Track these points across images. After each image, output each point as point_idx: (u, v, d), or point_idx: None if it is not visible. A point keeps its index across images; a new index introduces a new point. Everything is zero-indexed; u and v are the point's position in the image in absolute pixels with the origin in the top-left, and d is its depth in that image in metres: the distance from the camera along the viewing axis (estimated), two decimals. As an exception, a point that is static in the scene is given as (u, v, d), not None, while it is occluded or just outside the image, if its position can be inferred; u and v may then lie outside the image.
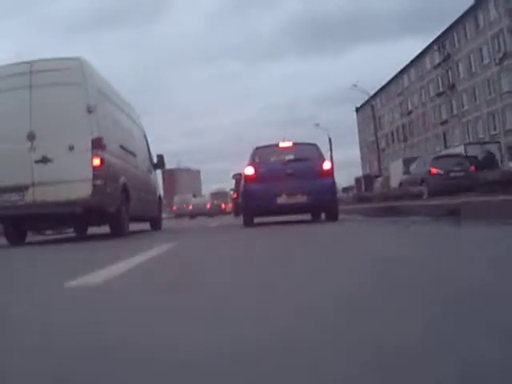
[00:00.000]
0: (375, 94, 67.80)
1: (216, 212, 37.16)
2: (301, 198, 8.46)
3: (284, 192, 8.45)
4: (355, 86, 38.68)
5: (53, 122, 6.84)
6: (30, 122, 6.88)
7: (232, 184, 27.08)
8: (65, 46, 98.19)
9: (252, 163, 8.97)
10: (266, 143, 9.69)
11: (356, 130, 79.07)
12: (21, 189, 6.83)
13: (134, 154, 8.76)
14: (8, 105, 6.95)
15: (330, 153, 44.92)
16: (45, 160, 6.81)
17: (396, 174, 29.43)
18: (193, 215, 34.24)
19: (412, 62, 60.00)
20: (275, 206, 8.48)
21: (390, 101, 67.17)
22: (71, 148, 6.81)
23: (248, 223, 8.81)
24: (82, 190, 6.74)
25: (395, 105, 66.14)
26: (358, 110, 78.53)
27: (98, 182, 6.78)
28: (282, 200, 8.45)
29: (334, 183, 9.10)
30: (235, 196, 24.08)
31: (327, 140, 50.69)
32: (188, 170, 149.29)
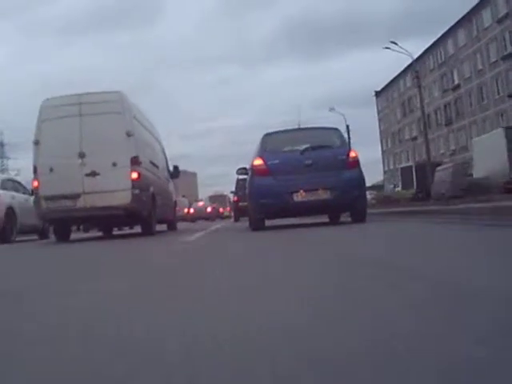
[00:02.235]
0: (404, 71, 56.05)
1: (216, 216, 38.35)
2: (323, 195, 7.24)
3: (302, 187, 7.27)
4: (394, 43, 29.64)
5: (99, 144, 8.72)
6: (80, 144, 8.77)
7: (232, 187, 26.46)
8: (60, 48, 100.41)
9: (261, 153, 7.70)
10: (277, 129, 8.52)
11: (375, 119, 68.79)
12: (73, 196, 8.72)
13: (157, 167, 10.68)
14: (62, 129, 8.83)
15: (348, 142, 42.76)
16: (93, 174, 8.71)
17: (490, 154, 19.77)
18: (194, 219, 35.64)
19: (461, 20, 45.56)
20: (291, 205, 7.28)
21: (427, 76, 52.19)
22: (114, 164, 8.71)
23: (257, 226, 7.61)
24: (123, 198, 8.63)
25: (434, 80, 52.01)
26: (378, 93, 66.95)
27: (136, 192, 8.69)
28: (299, 197, 7.25)
29: (362, 176, 7.67)
30: (236, 199, 22.96)
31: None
32: (184, 173, 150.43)
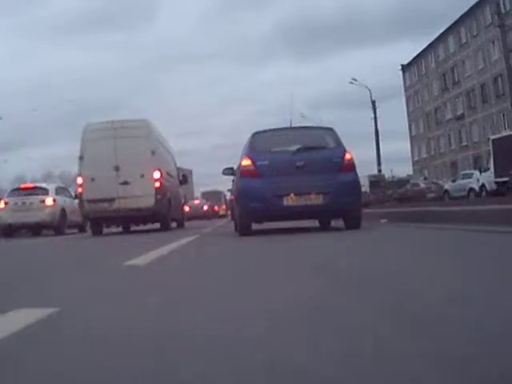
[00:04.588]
0: (446, 32, 46.44)
1: (212, 215, 36.25)
2: (315, 199, 6.86)
3: (292, 191, 6.89)
4: None
5: (130, 160, 11.51)
6: (115, 160, 11.55)
7: (228, 185, 27.04)
8: (54, 48, 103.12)
9: (250, 153, 7.34)
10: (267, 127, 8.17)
11: (402, 100, 57.70)
12: (109, 200, 11.52)
13: (172, 176, 13.52)
14: (101, 148, 11.59)
15: (374, 121, 36.48)
16: (126, 183, 11.51)
17: None
18: (189, 218, 35.28)
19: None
20: (280, 210, 6.91)
21: (479, 35, 41.66)
22: (142, 176, 11.52)
23: (244, 231, 7.25)
24: (148, 202, 11.43)
25: (491, 38, 38.78)
26: (405, 68, 56.78)
27: (158, 197, 11.52)
28: (289, 201, 6.87)
29: (357, 180, 7.43)
30: (232, 198, 23.68)
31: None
32: (179, 169, 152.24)
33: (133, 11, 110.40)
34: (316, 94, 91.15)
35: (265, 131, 7.96)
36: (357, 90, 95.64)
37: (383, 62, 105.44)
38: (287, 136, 7.87)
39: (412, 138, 56.81)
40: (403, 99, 57.42)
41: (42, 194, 14.41)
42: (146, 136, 11.69)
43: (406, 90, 57.35)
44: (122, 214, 11.53)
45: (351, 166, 7.21)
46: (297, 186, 6.90)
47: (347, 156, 7.19)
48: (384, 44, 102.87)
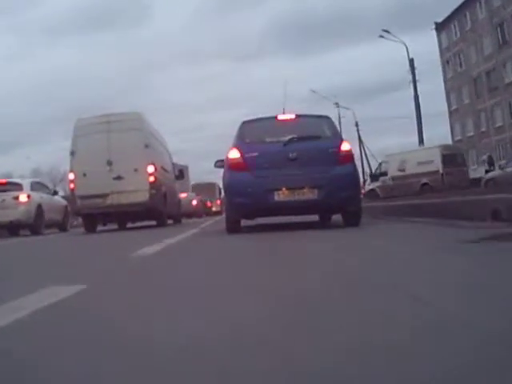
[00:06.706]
0: None
1: (203, 212, 31.18)
2: (309, 194, 6.43)
3: (284, 185, 6.45)
4: None
5: (123, 154, 11.23)
6: (109, 154, 11.27)
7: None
8: (50, 49, 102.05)
9: (238, 144, 6.89)
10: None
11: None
12: (103, 196, 11.25)
13: (167, 171, 13.25)
14: (94, 143, 11.31)
15: (413, 83, 28.29)
16: (119, 177, 11.24)
17: None
18: None
19: None
20: (271, 205, 6.47)
21: None
22: (136, 170, 11.25)
23: (231, 228, 6.84)
24: (142, 197, 11.17)
25: None
26: (440, 25, 45.41)
27: (153, 192, 11.26)
28: (281, 196, 6.45)
29: (355, 172, 6.99)
30: None
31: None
32: (174, 165, 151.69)
33: (127, 9, 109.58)
34: (314, 88, 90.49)
35: (255, 120, 7.47)
36: (353, 87, 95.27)
37: (381, 59, 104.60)
38: (278, 125, 7.30)
39: (451, 113, 45.35)
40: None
41: (16, 190, 12.98)
42: (138, 129, 11.43)
43: (442, 54, 45.81)
44: (116, 209, 11.26)
45: (349, 158, 6.76)
46: (289, 180, 6.46)
47: (344, 146, 6.74)
48: (380, 40, 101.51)
